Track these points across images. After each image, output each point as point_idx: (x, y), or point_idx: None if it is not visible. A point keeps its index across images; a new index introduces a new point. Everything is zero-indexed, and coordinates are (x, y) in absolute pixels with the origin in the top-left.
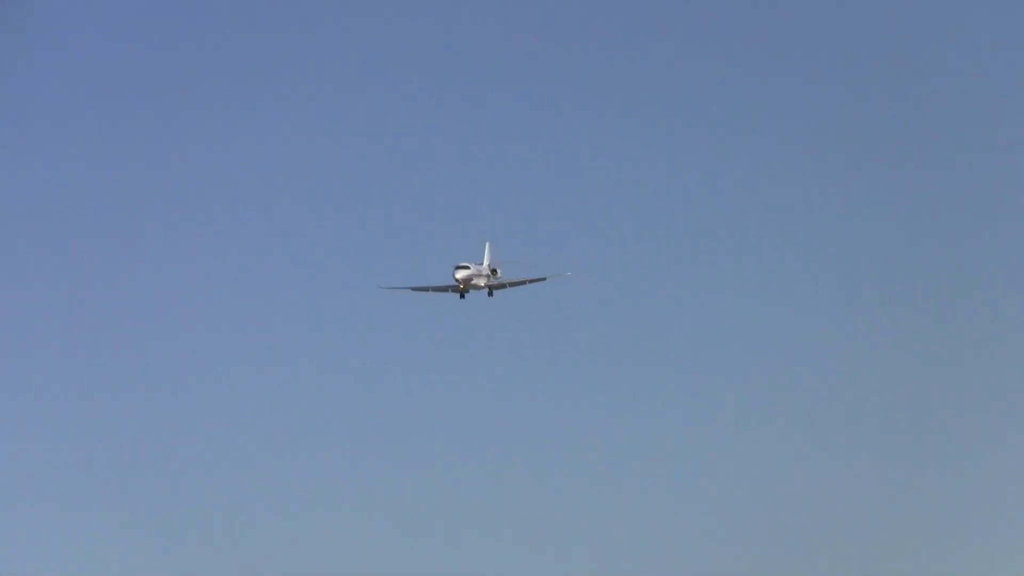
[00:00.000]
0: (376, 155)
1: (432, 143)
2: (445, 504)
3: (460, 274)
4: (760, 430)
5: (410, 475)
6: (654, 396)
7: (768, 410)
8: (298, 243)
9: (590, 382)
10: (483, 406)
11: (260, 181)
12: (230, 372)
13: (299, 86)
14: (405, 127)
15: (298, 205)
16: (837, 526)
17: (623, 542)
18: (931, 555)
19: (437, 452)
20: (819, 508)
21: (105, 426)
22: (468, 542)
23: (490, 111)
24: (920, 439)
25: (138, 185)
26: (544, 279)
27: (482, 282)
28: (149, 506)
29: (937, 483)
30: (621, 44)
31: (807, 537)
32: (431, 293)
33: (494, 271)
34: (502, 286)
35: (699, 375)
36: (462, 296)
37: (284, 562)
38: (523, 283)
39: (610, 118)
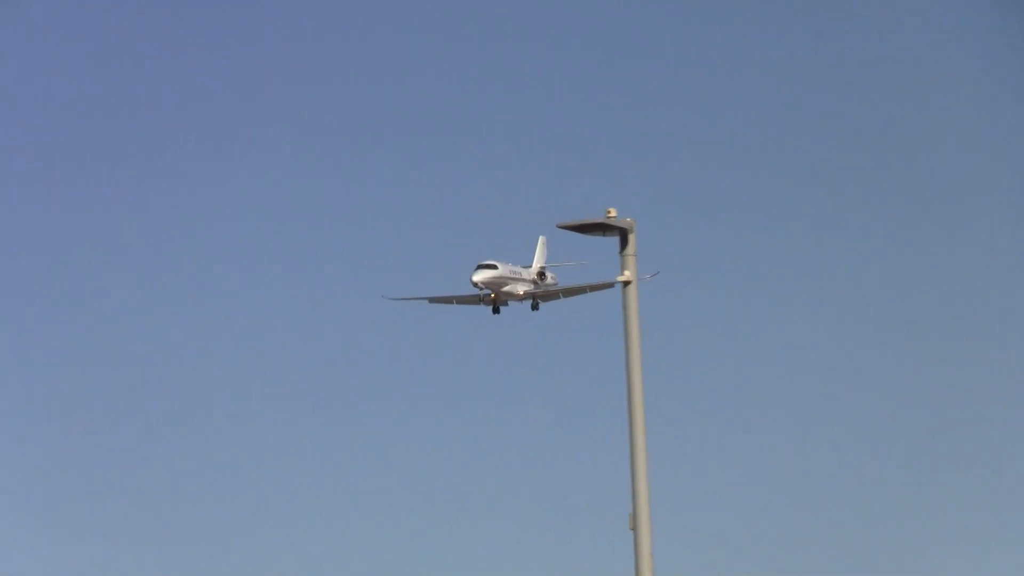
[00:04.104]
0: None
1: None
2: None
3: (480, 276)
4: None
5: (418, 534)
6: (754, 449)
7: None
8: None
9: (674, 433)
10: (516, 465)
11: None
12: (218, 397)
13: (297, 83)
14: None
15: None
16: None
17: None
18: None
19: (450, 516)
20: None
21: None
22: None
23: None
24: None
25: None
26: (611, 285)
27: (520, 289)
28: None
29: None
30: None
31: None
32: (455, 305)
33: (541, 274)
34: (553, 295)
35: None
36: (495, 310)
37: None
38: (581, 291)
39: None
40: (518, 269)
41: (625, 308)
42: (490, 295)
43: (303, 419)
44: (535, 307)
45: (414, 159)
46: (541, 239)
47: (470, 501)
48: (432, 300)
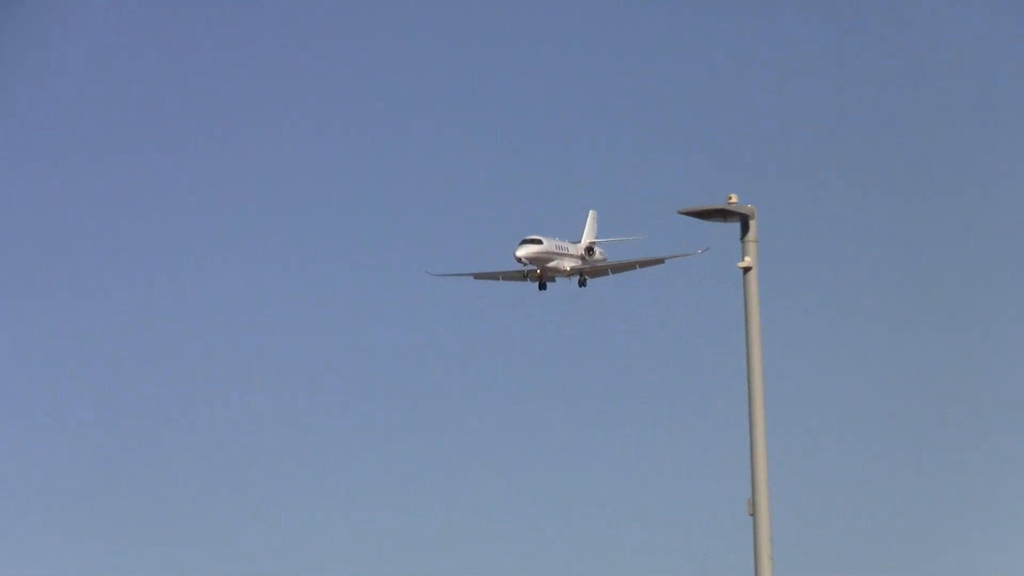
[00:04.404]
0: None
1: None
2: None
3: (524, 251)
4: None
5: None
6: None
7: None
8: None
9: (725, 419)
10: (562, 446)
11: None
12: (258, 377)
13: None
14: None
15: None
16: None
17: None
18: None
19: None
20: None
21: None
22: None
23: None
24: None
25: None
26: (661, 261)
27: (567, 265)
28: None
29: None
30: None
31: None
32: (500, 281)
33: (589, 250)
34: (601, 271)
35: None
36: (541, 286)
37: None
38: (631, 267)
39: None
40: (565, 244)
41: (746, 295)
42: (535, 271)
43: (343, 401)
44: (582, 283)
45: (465, 132)
46: (591, 213)
47: (534, 493)
48: (477, 276)
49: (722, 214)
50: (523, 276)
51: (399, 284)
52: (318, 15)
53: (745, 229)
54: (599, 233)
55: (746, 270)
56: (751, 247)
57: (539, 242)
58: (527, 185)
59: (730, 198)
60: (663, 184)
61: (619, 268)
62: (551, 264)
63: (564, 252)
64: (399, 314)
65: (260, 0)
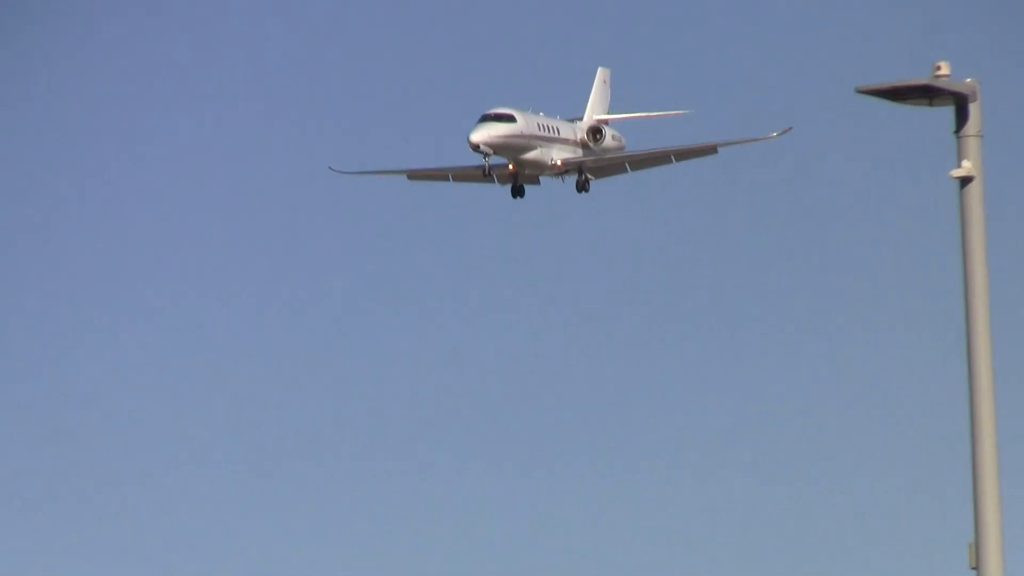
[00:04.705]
0: None
1: None
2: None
3: (485, 134)
4: None
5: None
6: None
7: None
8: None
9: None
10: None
11: None
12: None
13: None
14: None
15: None
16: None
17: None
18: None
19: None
20: None
21: None
22: None
23: None
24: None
25: None
26: (714, 150)
27: (558, 156)
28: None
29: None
30: None
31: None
32: (450, 183)
33: (595, 131)
34: (614, 166)
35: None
36: (516, 191)
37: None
38: (663, 159)
39: None
40: (554, 123)
41: (963, 217)
42: (506, 167)
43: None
44: (583, 186)
45: None
46: (600, 73)
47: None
48: (412, 176)
49: (925, 93)
50: (485, 175)
51: (292, 185)
52: None
53: (962, 118)
54: (612, 106)
55: (964, 181)
56: (972, 145)
57: (510, 119)
58: (498, 31)
59: (938, 67)
60: (713, 32)
61: (644, 161)
62: (531, 155)
63: (552, 136)
64: (292, 227)
65: None
